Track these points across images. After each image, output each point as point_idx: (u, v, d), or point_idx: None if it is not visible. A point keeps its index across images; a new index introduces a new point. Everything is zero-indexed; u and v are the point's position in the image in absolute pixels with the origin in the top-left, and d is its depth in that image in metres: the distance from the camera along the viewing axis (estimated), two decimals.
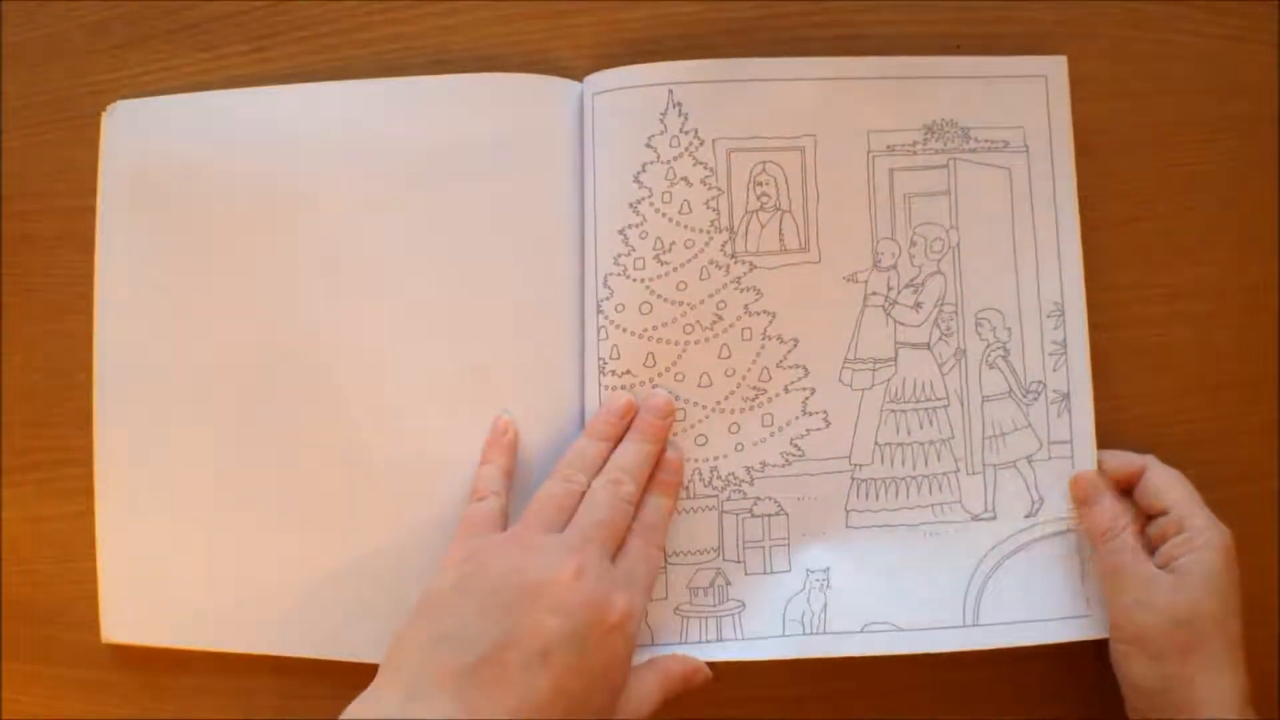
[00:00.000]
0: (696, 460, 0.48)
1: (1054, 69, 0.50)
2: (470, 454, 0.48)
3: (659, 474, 0.47)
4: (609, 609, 0.41)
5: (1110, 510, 0.47)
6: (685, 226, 0.48)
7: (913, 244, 0.49)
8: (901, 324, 0.49)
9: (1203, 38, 0.51)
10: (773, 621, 0.47)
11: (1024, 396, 0.49)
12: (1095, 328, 0.49)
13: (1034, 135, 0.50)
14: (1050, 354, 0.49)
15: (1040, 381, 0.49)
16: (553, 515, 0.44)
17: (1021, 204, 0.49)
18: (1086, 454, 0.49)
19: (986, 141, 0.49)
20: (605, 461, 0.46)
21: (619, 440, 0.47)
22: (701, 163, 0.49)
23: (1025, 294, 0.49)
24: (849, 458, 0.49)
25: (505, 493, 0.46)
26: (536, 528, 0.44)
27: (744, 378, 0.49)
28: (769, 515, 0.48)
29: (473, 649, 0.38)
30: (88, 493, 0.50)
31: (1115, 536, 0.46)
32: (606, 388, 0.48)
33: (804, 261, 0.49)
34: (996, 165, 0.49)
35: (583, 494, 0.45)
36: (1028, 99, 0.50)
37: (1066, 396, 0.49)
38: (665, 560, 0.48)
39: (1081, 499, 0.48)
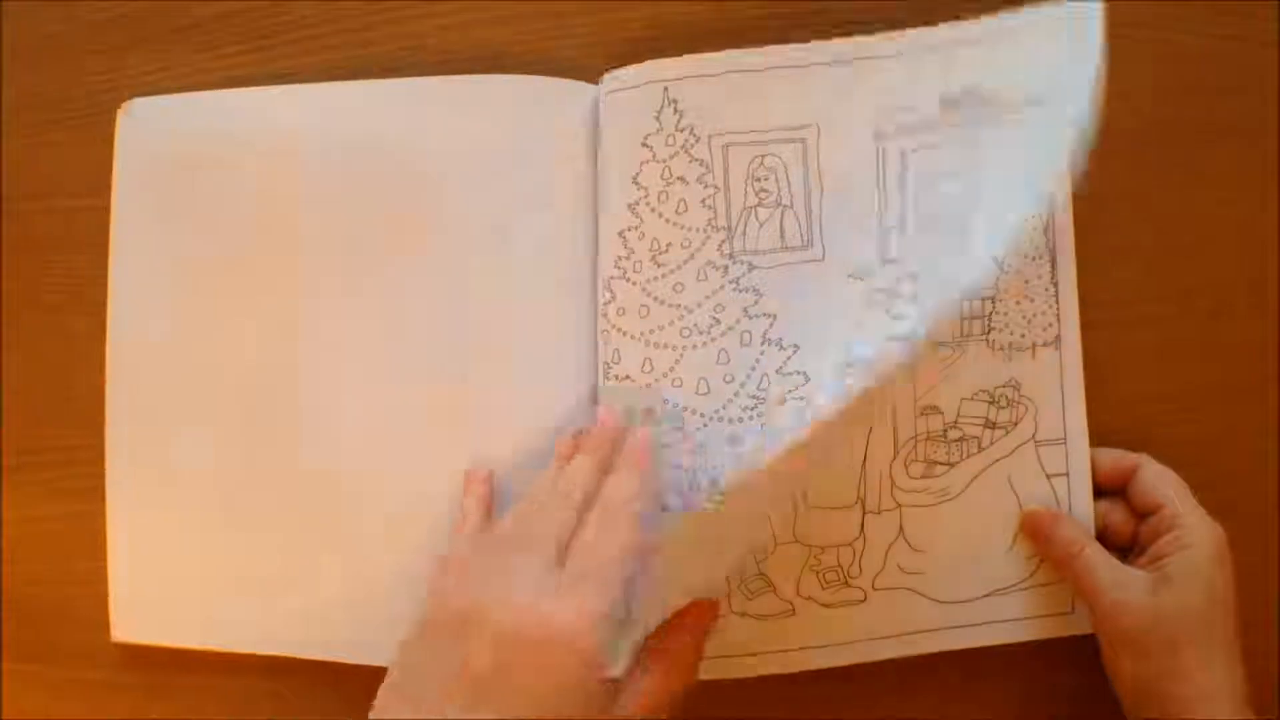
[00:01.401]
0: (695, 469, 0.48)
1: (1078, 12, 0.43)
2: (470, 459, 0.48)
3: (620, 453, 0.44)
4: (548, 627, 0.38)
5: (1069, 533, 0.47)
6: (682, 227, 0.48)
7: (924, 231, 0.47)
8: (906, 316, 0.48)
9: (1203, 38, 0.51)
10: None
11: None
12: (1094, 327, 0.49)
13: (1056, 85, 0.43)
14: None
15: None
16: (510, 539, 0.43)
17: (1043, 158, 0.43)
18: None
19: (1009, 104, 0.45)
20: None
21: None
22: (698, 160, 0.48)
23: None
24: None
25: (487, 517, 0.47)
26: (492, 551, 0.43)
27: (743, 385, 0.48)
28: None
29: (421, 689, 0.38)
30: (88, 492, 0.50)
31: (1080, 552, 0.46)
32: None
33: (806, 259, 0.48)
34: (1020, 126, 0.45)
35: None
36: (1051, 48, 0.44)
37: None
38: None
39: (1038, 534, 0.47)
